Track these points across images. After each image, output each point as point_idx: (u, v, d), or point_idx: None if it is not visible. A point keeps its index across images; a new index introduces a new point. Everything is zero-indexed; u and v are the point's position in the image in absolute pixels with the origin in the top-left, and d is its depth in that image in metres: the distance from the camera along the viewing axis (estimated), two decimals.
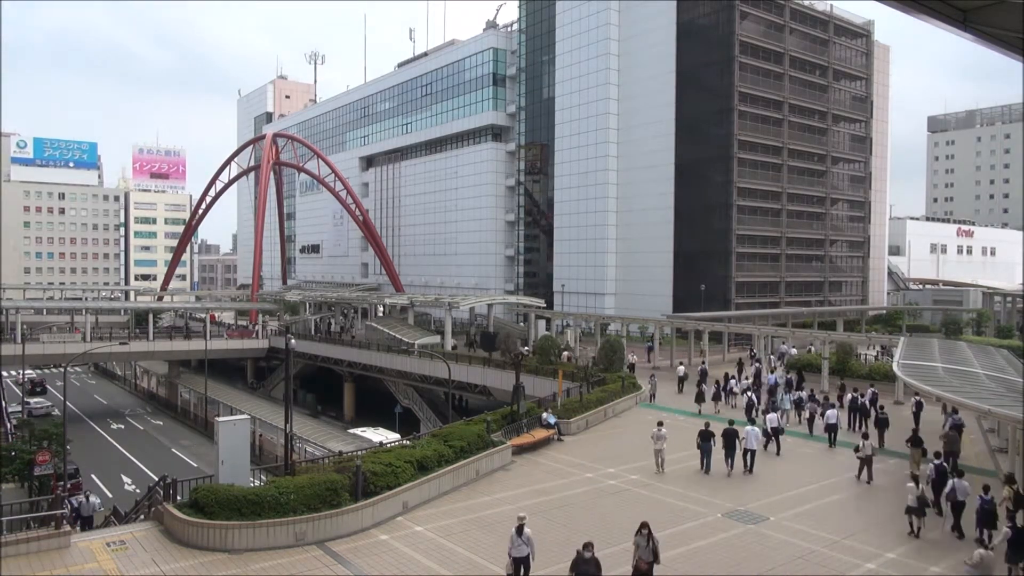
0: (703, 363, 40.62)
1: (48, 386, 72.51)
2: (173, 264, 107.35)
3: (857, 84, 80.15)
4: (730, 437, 23.73)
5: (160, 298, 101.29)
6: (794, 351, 46.70)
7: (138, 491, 38.31)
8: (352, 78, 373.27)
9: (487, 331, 55.42)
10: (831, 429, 27.26)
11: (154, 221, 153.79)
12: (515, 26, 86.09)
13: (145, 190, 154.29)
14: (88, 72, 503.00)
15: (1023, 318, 67.98)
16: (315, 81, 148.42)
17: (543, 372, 40.32)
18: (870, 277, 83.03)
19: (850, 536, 18.18)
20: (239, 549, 17.07)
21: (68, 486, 32.72)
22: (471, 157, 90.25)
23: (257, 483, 20.29)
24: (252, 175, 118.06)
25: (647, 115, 70.17)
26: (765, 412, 28.83)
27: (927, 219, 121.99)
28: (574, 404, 31.62)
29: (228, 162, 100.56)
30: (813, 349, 47.43)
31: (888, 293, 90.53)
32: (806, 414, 30.43)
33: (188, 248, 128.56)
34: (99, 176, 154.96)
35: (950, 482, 18.60)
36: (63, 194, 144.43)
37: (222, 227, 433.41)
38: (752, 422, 25.81)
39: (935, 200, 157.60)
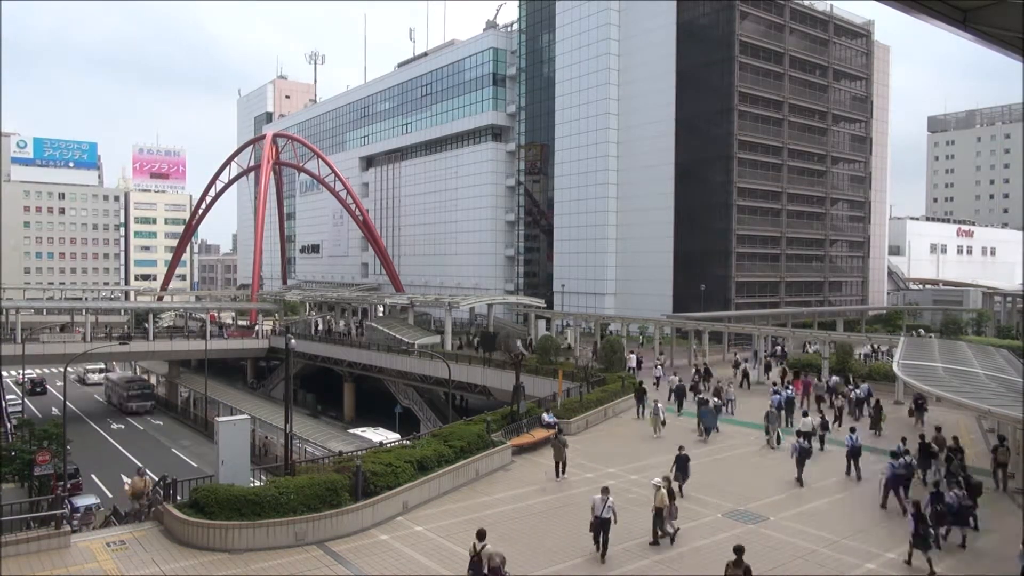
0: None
1: (48, 386, 72.50)
2: (173, 264, 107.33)
3: (857, 84, 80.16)
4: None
5: (160, 298, 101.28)
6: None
7: None
8: (352, 78, 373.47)
9: (487, 331, 55.39)
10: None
11: (154, 221, 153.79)
12: (515, 26, 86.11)
13: (145, 190, 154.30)
14: (88, 72, 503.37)
15: (1023, 318, 67.97)
16: (315, 81, 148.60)
17: (543, 372, 40.31)
18: (870, 277, 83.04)
19: (850, 536, 18.18)
20: (239, 549, 17.07)
21: (68, 486, 32.76)
22: (471, 157, 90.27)
23: (257, 483, 20.27)
24: (252, 175, 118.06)
25: (647, 115, 70.17)
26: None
27: (927, 219, 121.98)
28: (574, 404, 31.61)
29: (228, 162, 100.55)
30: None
31: (888, 293, 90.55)
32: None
33: (188, 248, 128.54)
34: (99, 176, 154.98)
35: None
36: (63, 194, 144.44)
37: (222, 227, 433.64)
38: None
39: (935, 200, 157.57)
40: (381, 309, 73.87)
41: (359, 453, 22.51)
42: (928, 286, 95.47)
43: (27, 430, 35.75)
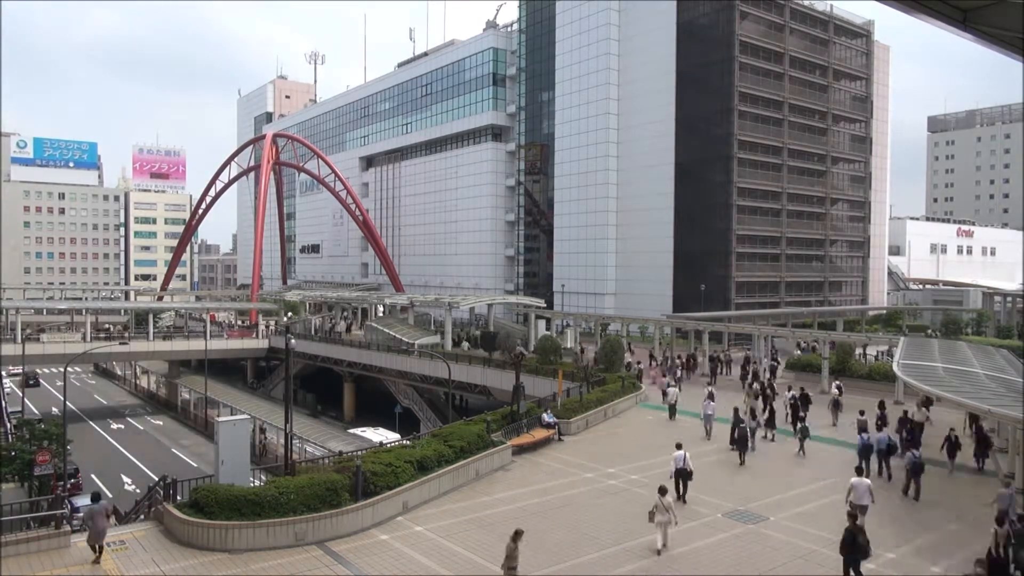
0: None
1: (46, 384, 72.49)
2: (173, 264, 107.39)
3: (857, 84, 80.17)
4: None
5: (160, 298, 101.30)
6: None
7: (138, 491, 38.28)
8: (352, 78, 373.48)
9: (487, 331, 55.38)
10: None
11: (154, 221, 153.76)
12: (515, 26, 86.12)
13: (145, 190, 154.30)
14: (88, 72, 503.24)
15: (1023, 318, 67.93)
16: (315, 81, 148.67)
17: (543, 372, 40.32)
18: (870, 277, 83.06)
19: None
20: (239, 549, 17.06)
21: (68, 486, 32.76)
22: (471, 157, 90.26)
23: (257, 483, 20.27)
24: (252, 175, 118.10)
25: (647, 115, 70.17)
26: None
27: (927, 219, 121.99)
28: (574, 404, 31.61)
29: (228, 162, 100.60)
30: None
31: (888, 293, 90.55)
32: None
33: (188, 248, 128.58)
34: (99, 176, 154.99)
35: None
36: (63, 194, 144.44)
37: (222, 227, 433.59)
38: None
39: (935, 200, 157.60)
40: (381, 309, 73.88)
41: (359, 453, 22.50)
42: (928, 286, 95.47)
43: (27, 430, 35.71)
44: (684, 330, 52.58)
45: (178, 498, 18.95)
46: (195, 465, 44.51)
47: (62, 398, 41.65)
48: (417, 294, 74.21)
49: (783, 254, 71.29)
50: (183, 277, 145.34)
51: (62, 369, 43.81)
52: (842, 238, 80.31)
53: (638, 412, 34.36)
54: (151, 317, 63.74)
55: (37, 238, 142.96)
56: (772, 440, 27.98)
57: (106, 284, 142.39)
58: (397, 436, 37.13)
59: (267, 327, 69.52)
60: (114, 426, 58.16)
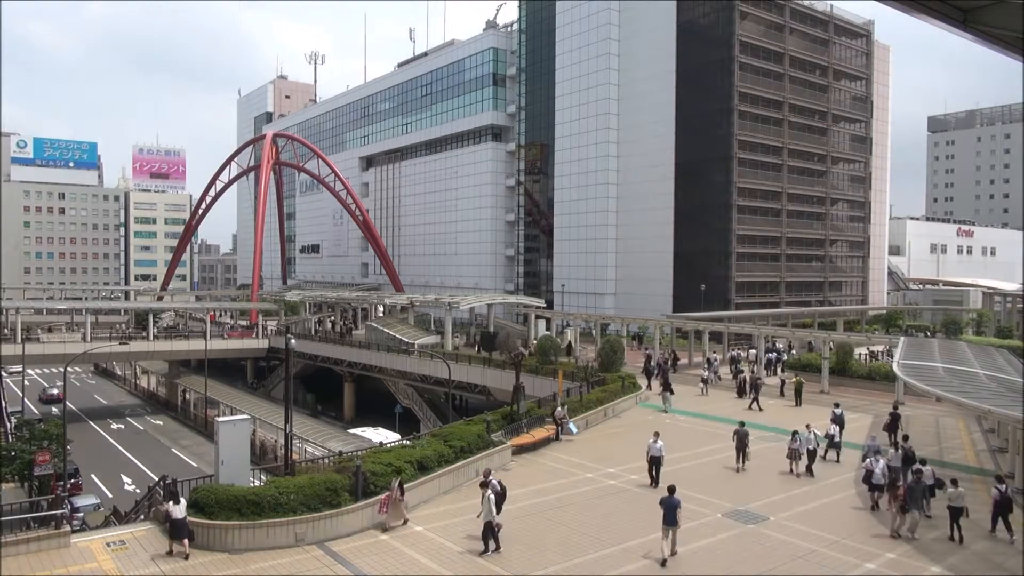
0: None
1: (45, 384, 72.42)
2: (173, 264, 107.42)
3: (857, 84, 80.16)
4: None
5: (160, 298, 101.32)
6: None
7: (138, 491, 38.30)
8: (352, 78, 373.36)
9: (487, 331, 55.38)
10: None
11: (154, 221, 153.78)
12: (515, 26, 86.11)
13: (145, 190, 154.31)
14: (88, 72, 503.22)
15: (1023, 318, 67.93)
16: (315, 81, 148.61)
17: (543, 372, 40.34)
18: (870, 277, 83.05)
19: (850, 536, 18.17)
20: (239, 549, 17.07)
21: (68, 486, 32.75)
22: (471, 157, 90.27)
23: (257, 483, 20.27)
24: (252, 175, 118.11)
25: (647, 115, 70.17)
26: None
27: (927, 219, 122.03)
28: (574, 404, 31.58)
29: (228, 162, 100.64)
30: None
31: (888, 293, 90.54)
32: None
33: (188, 248, 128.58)
34: (99, 176, 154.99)
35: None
36: (63, 194, 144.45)
37: (222, 227, 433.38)
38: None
39: (935, 200, 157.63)
40: (381, 309, 73.87)
41: (359, 453, 22.51)
42: (928, 286, 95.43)
43: (27, 430, 35.70)
44: (684, 330, 52.58)
45: None
46: (195, 465, 44.53)
47: (62, 398, 41.70)
48: (417, 294, 74.22)
49: (783, 254, 71.28)
50: (183, 277, 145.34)
51: (62, 369, 43.81)
52: (842, 238, 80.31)
53: (638, 412, 34.37)
54: (151, 317, 63.76)
55: (37, 238, 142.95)
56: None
57: (106, 284, 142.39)
58: (397, 436, 37.12)
59: (265, 329, 69.53)
60: (114, 426, 58.17)
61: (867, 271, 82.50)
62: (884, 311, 74.68)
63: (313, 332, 70.04)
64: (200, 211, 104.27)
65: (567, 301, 75.44)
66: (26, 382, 64.86)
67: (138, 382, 76.97)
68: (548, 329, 57.51)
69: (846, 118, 78.94)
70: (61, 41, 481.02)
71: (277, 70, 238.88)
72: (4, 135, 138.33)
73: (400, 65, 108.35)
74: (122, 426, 58.29)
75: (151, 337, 62.25)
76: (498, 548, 17.08)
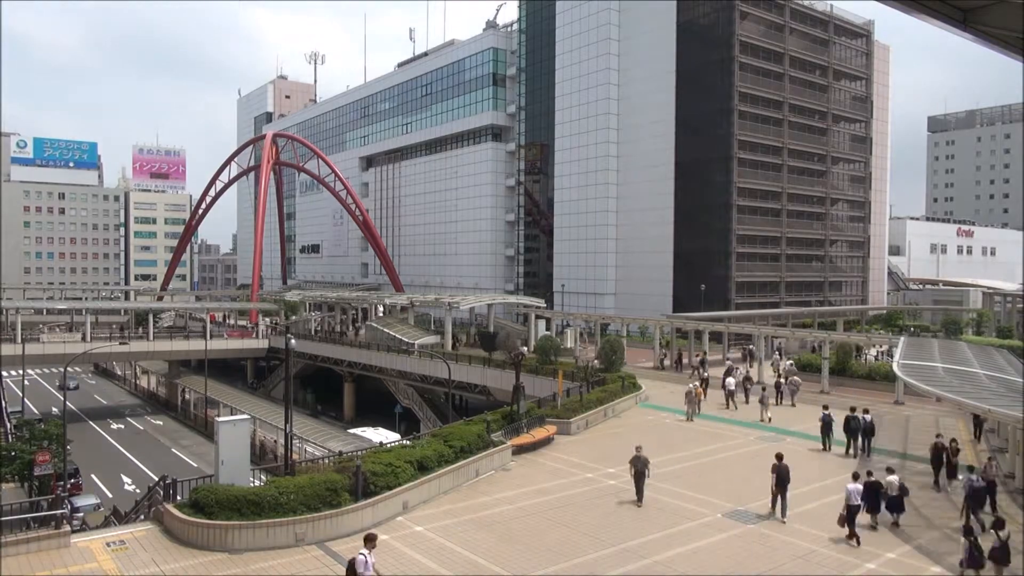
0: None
1: (45, 384, 72.44)
2: (173, 264, 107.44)
3: (857, 84, 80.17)
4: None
5: (160, 298, 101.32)
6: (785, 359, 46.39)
7: (138, 491, 38.30)
8: (352, 78, 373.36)
9: (487, 331, 55.38)
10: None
11: (154, 221, 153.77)
12: (515, 26, 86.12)
13: (145, 190, 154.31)
14: (88, 71, 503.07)
15: (1023, 318, 67.94)
16: (315, 81, 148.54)
17: (543, 372, 40.34)
18: (870, 277, 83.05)
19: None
20: (239, 549, 17.06)
21: (68, 486, 32.76)
22: (471, 157, 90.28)
23: (257, 483, 20.26)
24: (252, 175, 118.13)
25: (647, 115, 70.17)
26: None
27: (927, 219, 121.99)
28: (574, 404, 31.60)
29: (228, 162, 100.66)
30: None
31: (888, 293, 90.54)
32: None
33: (188, 248, 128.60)
34: (99, 176, 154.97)
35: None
36: (63, 194, 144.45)
37: (222, 227, 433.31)
38: None
39: (935, 200, 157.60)
40: (381, 309, 73.86)
41: (359, 453, 22.50)
42: (928, 286, 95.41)
43: (27, 430, 35.73)
44: (684, 330, 52.59)
45: (178, 498, 18.94)
46: (195, 465, 44.53)
47: (62, 398, 41.71)
48: (417, 294, 74.25)
49: (783, 254, 71.28)
50: (183, 277, 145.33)
51: (62, 369, 43.81)
52: (842, 238, 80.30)
53: (638, 412, 34.38)
54: (151, 317, 63.75)
55: (37, 238, 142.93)
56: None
57: (106, 284, 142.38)
58: (397, 436, 37.13)
59: (267, 327, 69.53)
60: (114, 426, 58.17)
61: (867, 271, 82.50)
62: (884, 311, 74.70)
63: (313, 332, 70.03)
64: (200, 211, 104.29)
65: (567, 301, 75.44)
66: (26, 382, 64.93)
67: (138, 382, 76.99)
68: (548, 329, 57.52)
69: (846, 118, 78.95)
70: (61, 41, 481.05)
71: (277, 70, 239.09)
72: (4, 135, 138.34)
73: (400, 65, 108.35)
74: (122, 426, 58.30)
75: (151, 337, 62.25)
76: None
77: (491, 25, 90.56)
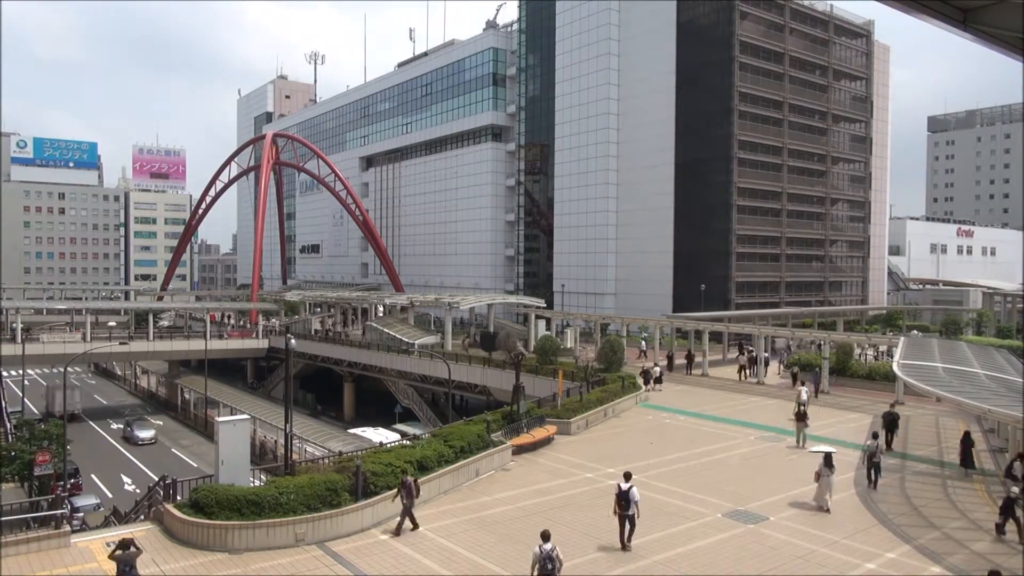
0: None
1: (45, 384, 72.39)
2: (173, 264, 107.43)
3: (857, 84, 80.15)
4: None
5: (160, 298, 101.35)
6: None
7: (138, 491, 38.32)
8: (352, 78, 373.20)
9: (487, 331, 55.39)
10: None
11: (154, 221, 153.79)
12: (515, 26, 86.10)
13: (145, 190, 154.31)
14: (87, 71, 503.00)
15: (1023, 318, 67.96)
16: (315, 81, 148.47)
17: (543, 372, 40.34)
18: (870, 277, 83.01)
19: (850, 536, 18.18)
20: (239, 549, 17.06)
21: (68, 486, 32.77)
22: (471, 157, 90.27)
23: (257, 483, 20.27)
24: (252, 175, 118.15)
25: (647, 115, 70.16)
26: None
27: (927, 219, 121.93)
28: (574, 404, 31.61)
29: (228, 162, 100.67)
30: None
31: (888, 293, 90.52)
32: None
33: (188, 248, 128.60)
34: (99, 176, 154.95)
35: None
36: (63, 194, 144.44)
37: (222, 227, 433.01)
38: None
39: (935, 200, 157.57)
40: (381, 309, 73.87)
41: (359, 453, 22.51)
42: (928, 286, 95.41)
43: (27, 430, 35.72)
44: (684, 330, 52.60)
45: (178, 498, 18.95)
46: (195, 465, 44.54)
47: (62, 398, 41.74)
48: (417, 294, 74.23)
49: (783, 254, 71.26)
50: (183, 277, 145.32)
51: (61, 369, 43.81)
52: (842, 238, 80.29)
53: (638, 412, 34.38)
54: (151, 317, 63.74)
55: (37, 238, 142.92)
56: None
57: (106, 284, 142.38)
58: (397, 436, 37.14)
59: (267, 328, 69.52)
60: (114, 426, 58.16)
61: (867, 271, 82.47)
62: (884, 311, 74.71)
63: (312, 332, 70.03)
64: (200, 211, 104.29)
65: (567, 301, 75.43)
66: (26, 382, 64.91)
67: (138, 382, 76.98)
68: (548, 329, 57.52)
69: (846, 118, 78.92)
70: (61, 41, 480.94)
71: (277, 70, 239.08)
72: (4, 135, 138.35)
73: (400, 65, 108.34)
74: (122, 426, 58.28)
75: (151, 337, 62.24)
76: None
77: (491, 25, 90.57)
